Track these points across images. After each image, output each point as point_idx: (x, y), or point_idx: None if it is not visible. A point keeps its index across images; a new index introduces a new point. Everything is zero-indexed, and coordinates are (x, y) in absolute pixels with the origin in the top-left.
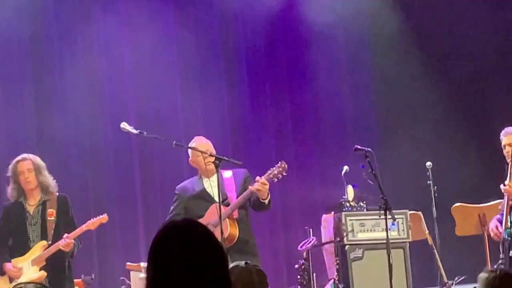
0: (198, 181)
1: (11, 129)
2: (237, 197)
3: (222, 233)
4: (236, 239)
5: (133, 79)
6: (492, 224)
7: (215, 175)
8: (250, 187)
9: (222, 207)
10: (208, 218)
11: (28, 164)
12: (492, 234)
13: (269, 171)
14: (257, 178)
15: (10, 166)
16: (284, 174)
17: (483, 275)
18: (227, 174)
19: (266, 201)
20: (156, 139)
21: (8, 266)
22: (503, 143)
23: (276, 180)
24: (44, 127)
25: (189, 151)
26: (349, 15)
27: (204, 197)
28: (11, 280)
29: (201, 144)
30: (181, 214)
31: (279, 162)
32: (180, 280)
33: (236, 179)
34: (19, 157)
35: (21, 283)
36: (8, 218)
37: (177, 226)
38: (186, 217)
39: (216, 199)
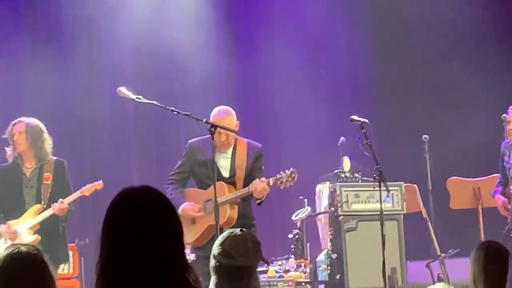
0: (211, 146)
1: (8, 91)
2: (245, 176)
3: (216, 213)
4: (234, 222)
5: (131, 42)
6: (499, 200)
7: (230, 149)
8: (250, 186)
9: (226, 187)
10: (210, 193)
11: (21, 126)
12: (502, 211)
13: (278, 176)
14: (262, 179)
15: (7, 128)
16: (292, 184)
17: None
18: (242, 144)
19: (258, 202)
20: (153, 105)
21: (2, 227)
22: (508, 119)
23: (282, 187)
24: (41, 90)
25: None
26: None
27: (212, 168)
28: (5, 242)
29: (222, 119)
30: (186, 173)
31: (291, 170)
32: (131, 248)
33: (249, 154)
34: (17, 120)
35: (16, 244)
36: (5, 179)
37: (134, 192)
38: (146, 185)
39: (224, 173)
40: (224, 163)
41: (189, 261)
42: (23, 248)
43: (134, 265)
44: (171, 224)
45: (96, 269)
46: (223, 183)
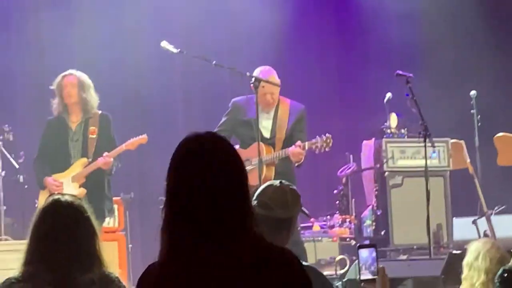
0: (254, 106)
1: (56, 46)
2: (285, 138)
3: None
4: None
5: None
6: None
7: (272, 110)
8: (287, 150)
9: (264, 148)
10: (250, 153)
11: (73, 79)
12: None
13: (314, 140)
14: (298, 142)
15: (56, 80)
16: (327, 149)
17: None
18: (285, 105)
19: (297, 164)
20: (196, 58)
21: (48, 180)
22: None
23: (317, 152)
24: (86, 44)
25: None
26: None
27: (253, 128)
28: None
29: (268, 76)
30: (227, 131)
31: (326, 135)
32: (198, 193)
33: (291, 115)
34: (66, 72)
35: (57, 194)
36: (51, 133)
37: (198, 137)
38: (210, 131)
39: (265, 133)
40: (266, 124)
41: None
42: (67, 197)
43: (200, 211)
44: (236, 169)
45: (162, 216)
46: (262, 144)
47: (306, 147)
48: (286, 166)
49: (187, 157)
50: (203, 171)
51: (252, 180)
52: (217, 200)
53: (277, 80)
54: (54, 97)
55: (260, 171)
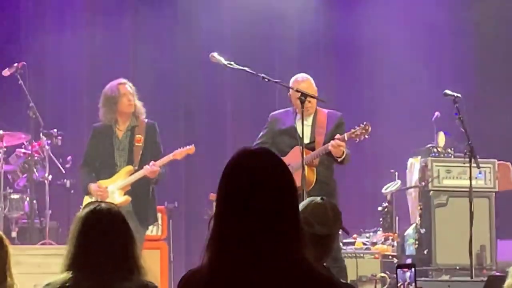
0: (292, 115)
1: (109, 57)
2: (324, 143)
3: (303, 177)
4: (313, 184)
5: (230, 12)
6: None
7: (310, 116)
8: (326, 145)
9: (304, 151)
10: (290, 159)
11: (129, 88)
12: None
13: (352, 130)
14: (337, 136)
15: (110, 88)
16: (366, 136)
17: None
18: (322, 114)
19: (340, 159)
20: (244, 71)
21: (93, 186)
22: None
23: (357, 140)
24: (138, 55)
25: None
26: None
27: (292, 135)
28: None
29: (302, 81)
30: (268, 143)
31: (364, 123)
32: (249, 206)
33: (329, 123)
34: (120, 80)
35: (96, 202)
36: (98, 140)
37: (251, 152)
38: (262, 146)
39: (305, 139)
40: (305, 130)
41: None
42: (104, 205)
43: (248, 224)
44: (287, 184)
45: (209, 226)
46: (300, 147)
47: (346, 138)
48: (327, 175)
49: (240, 172)
50: (256, 188)
51: (299, 181)
52: (268, 219)
53: (314, 88)
54: (103, 103)
55: (303, 173)
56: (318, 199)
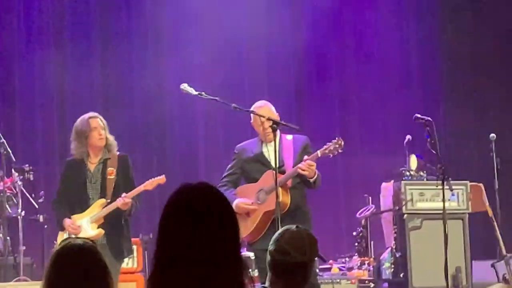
0: (257, 143)
1: (77, 87)
2: (293, 165)
3: (277, 197)
4: (287, 207)
5: (199, 43)
6: None
7: (277, 143)
8: (296, 168)
9: (275, 174)
10: (262, 184)
11: (100, 121)
12: None
13: (325, 146)
14: (305, 157)
15: (81, 122)
16: (340, 151)
17: None
18: (288, 138)
19: (312, 180)
20: (216, 101)
21: (67, 221)
22: None
23: (331, 155)
24: (109, 86)
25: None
26: None
27: (261, 161)
28: (69, 236)
29: (261, 108)
30: (237, 174)
31: (336, 138)
32: (187, 244)
33: (296, 146)
34: (90, 114)
35: (70, 238)
36: (70, 174)
37: (192, 188)
38: (202, 181)
39: (273, 164)
40: (272, 156)
41: (245, 257)
42: (78, 241)
43: (189, 262)
44: (228, 221)
45: (151, 264)
46: (272, 171)
47: (320, 154)
48: (301, 201)
49: (182, 207)
50: (197, 222)
51: (270, 205)
52: (209, 252)
53: (275, 113)
54: (74, 137)
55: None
56: (293, 227)
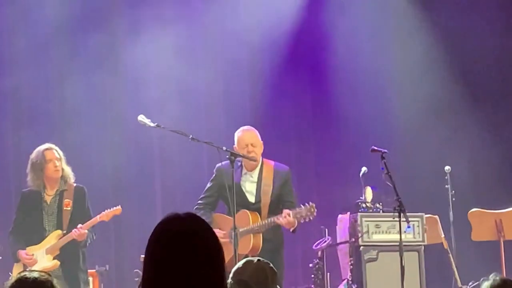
0: (237, 170)
1: (32, 116)
2: (270, 203)
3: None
4: (260, 249)
5: (154, 72)
6: None
7: (256, 170)
8: (275, 219)
9: (250, 216)
10: (237, 222)
11: (55, 153)
12: None
13: (298, 210)
14: (285, 211)
15: (36, 154)
16: (311, 218)
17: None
18: (269, 167)
19: (292, 229)
20: (173, 132)
21: (22, 253)
22: None
23: (302, 221)
24: (64, 116)
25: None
26: (370, 11)
27: (238, 193)
28: (25, 267)
29: (247, 131)
30: (214, 197)
31: (309, 204)
32: (174, 274)
33: (276, 179)
34: (45, 146)
35: (25, 271)
36: (26, 206)
37: (179, 218)
38: (190, 212)
39: (250, 199)
40: (250, 188)
41: None
42: (34, 274)
43: None
44: (214, 252)
45: None
46: (247, 211)
47: (291, 216)
48: (274, 232)
49: (169, 237)
50: (184, 253)
51: (242, 249)
52: (195, 283)
53: (260, 141)
54: (30, 169)
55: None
56: (254, 260)
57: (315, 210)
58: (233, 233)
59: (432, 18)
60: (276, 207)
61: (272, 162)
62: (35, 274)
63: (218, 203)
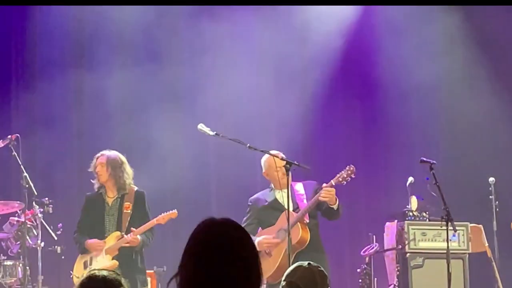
0: (270, 193)
1: (92, 125)
2: (308, 207)
3: (289, 234)
4: (307, 243)
5: (213, 83)
6: None
7: (287, 190)
8: (317, 197)
9: (292, 213)
10: (279, 225)
11: (102, 159)
12: None
13: (338, 175)
14: (324, 185)
15: (92, 162)
16: (353, 176)
17: None
18: (298, 186)
19: (335, 207)
20: (232, 141)
21: (90, 241)
22: None
23: (345, 183)
24: (125, 126)
25: (263, 164)
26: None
27: (276, 207)
28: (85, 266)
29: (273, 156)
30: (253, 224)
31: (348, 166)
32: (209, 279)
33: (307, 190)
34: (98, 154)
35: (95, 269)
36: (89, 207)
37: (215, 223)
38: (226, 217)
39: (287, 207)
40: (285, 201)
41: None
42: (103, 272)
43: None
44: (250, 257)
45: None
46: (286, 211)
47: (334, 183)
48: (315, 236)
49: (205, 244)
50: (219, 260)
51: (292, 240)
52: (228, 285)
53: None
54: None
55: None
56: (305, 263)
57: (354, 168)
58: (278, 234)
59: (475, 31)
60: (315, 213)
61: (300, 182)
62: (105, 273)
63: (257, 230)
